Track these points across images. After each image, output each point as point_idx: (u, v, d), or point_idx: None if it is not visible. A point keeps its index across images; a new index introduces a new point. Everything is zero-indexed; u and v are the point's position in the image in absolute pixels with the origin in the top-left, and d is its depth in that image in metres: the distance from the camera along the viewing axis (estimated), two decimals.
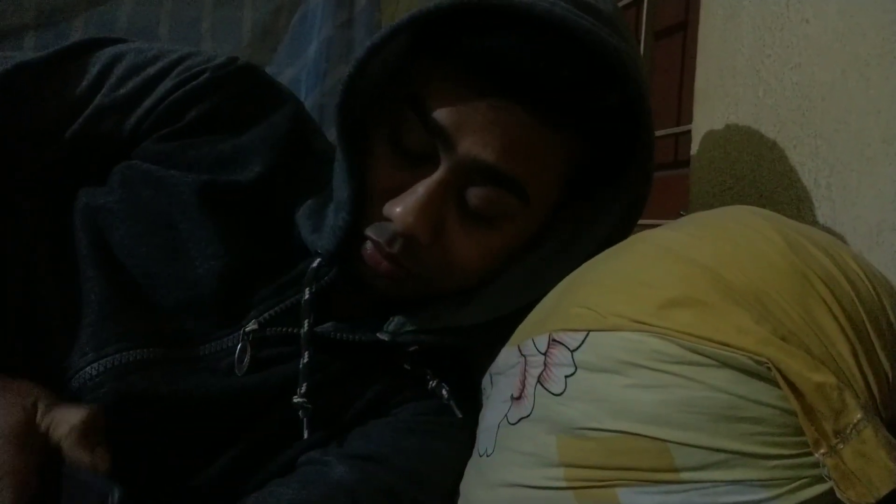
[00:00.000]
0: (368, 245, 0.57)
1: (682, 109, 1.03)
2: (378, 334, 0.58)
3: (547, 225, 0.61)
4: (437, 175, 0.55)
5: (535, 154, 0.55)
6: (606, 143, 0.59)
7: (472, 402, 0.60)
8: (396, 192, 0.56)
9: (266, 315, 0.57)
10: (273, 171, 0.61)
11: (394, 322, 0.59)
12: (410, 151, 0.56)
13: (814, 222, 0.62)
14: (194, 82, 0.60)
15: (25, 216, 0.57)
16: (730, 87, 0.76)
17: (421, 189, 0.55)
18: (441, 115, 0.54)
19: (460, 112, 0.53)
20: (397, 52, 0.59)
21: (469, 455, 0.56)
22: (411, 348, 0.60)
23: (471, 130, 0.53)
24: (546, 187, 0.58)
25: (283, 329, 0.57)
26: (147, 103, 0.60)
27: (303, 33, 1.30)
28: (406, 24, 0.53)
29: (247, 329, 0.56)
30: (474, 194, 0.55)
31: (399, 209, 0.55)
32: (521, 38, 0.52)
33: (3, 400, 0.43)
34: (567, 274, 0.55)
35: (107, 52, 0.61)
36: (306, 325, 0.57)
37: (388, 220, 0.56)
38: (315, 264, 0.58)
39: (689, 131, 0.88)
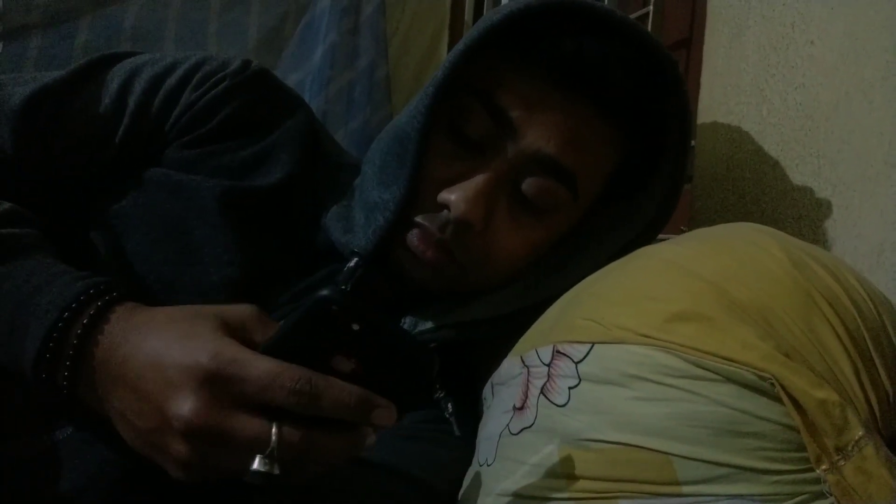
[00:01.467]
0: (415, 232, 0.58)
1: None
2: None
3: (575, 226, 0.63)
4: (498, 164, 0.57)
5: (591, 150, 0.58)
6: (642, 150, 0.61)
7: (472, 412, 0.60)
8: (451, 181, 0.57)
9: None
10: (292, 176, 0.62)
11: (406, 322, 0.59)
12: (470, 141, 0.58)
13: (815, 241, 0.62)
14: (214, 91, 0.61)
15: (44, 226, 0.56)
16: (734, 105, 0.77)
17: (479, 177, 0.56)
18: (509, 107, 0.56)
19: (528, 105, 0.56)
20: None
21: (469, 463, 0.56)
22: (430, 346, 0.60)
23: (537, 123, 0.56)
24: (593, 184, 0.61)
25: None
26: (172, 116, 0.60)
27: (308, 39, 1.30)
28: (498, 23, 0.55)
29: None
30: (530, 184, 0.57)
31: (455, 196, 0.56)
32: (595, 39, 0.55)
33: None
34: (580, 277, 0.56)
35: (122, 67, 0.61)
36: None
37: (440, 208, 0.57)
38: (352, 263, 0.58)
39: (692, 147, 0.88)
